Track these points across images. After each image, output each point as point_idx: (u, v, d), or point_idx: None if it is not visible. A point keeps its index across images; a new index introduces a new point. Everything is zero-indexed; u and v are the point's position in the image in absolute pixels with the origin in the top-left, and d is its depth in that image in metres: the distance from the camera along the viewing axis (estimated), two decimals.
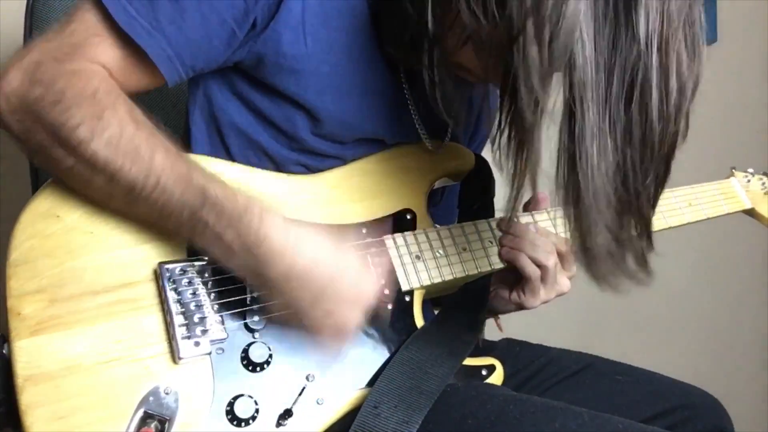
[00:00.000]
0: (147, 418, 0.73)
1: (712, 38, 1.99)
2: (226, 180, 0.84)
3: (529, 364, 1.06)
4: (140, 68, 0.78)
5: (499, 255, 0.95)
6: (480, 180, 1.04)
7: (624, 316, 2.07)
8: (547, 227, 0.99)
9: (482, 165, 1.05)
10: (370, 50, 0.88)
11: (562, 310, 1.94)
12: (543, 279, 0.93)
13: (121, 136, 0.73)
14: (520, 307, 0.97)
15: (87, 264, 0.77)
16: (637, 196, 0.68)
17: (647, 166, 0.68)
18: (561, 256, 0.95)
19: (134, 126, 0.74)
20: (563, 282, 0.95)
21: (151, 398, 0.73)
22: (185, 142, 0.92)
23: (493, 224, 0.97)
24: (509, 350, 1.09)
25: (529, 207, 1.01)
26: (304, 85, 0.84)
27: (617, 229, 0.69)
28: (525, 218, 1.00)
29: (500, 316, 1.06)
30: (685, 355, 2.15)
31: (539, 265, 0.92)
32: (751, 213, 1.18)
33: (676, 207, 1.09)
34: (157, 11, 0.76)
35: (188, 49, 0.79)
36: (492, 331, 1.14)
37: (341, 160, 0.91)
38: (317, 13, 0.83)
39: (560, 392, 1.02)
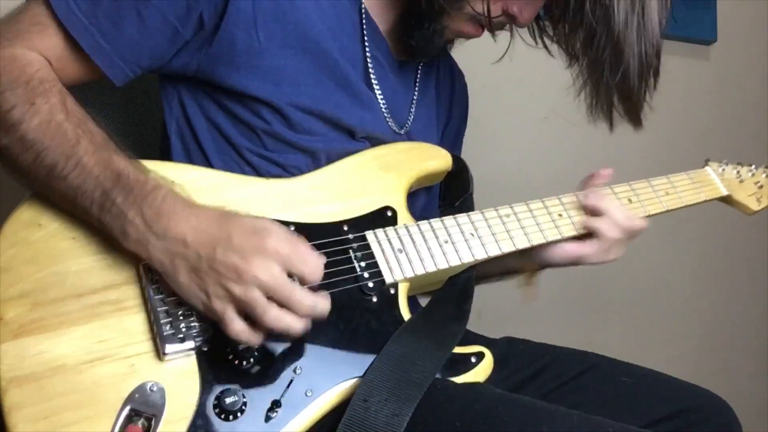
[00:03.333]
0: (134, 415, 0.72)
1: (712, 38, 2.00)
2: (204, 185, 0.86)
3: (531, 363, 1.06)
4: (77, 61, 0.83)
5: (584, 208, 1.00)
6: (459, 179, 1.06)
7: (625, 314, 2.05)
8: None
9: (460, 164, 1.07)
10: (327, 42, 0.91)
11: (563, 308, 1.93)
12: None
13: (50, 122, 0.76)
14: (578, 261, 1.02)
15: (70, 268, 0.78)
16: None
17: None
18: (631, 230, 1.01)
19: (64, 114, 0.77)
20: (621, 249, 1.03)
21: (137, 395, 0.73)
22: (164, 150, 0.94)
23: (474, 218, 0.98)
24: (511, 348, 1.08)
25: (591, 181, 1.05)
26: (261, 79, 0.87)
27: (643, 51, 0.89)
28: (606, 191, 1.05)
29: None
30: (686, 354, 2.12)
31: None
32: (727, 200, 1.19)
33: (653, 195, 1.10)
34: (96, 8, 0.81)
35: (128, 46, 0.83)
36: (492, 330, 1.13)
37: (312, 156, 0.93)
38: (268, 9, 0.86)
39: (564, 395, 1.01)
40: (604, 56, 0.90)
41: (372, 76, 0.96)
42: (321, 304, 0.77)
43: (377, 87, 0.97)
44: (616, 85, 0.91)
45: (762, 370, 2.18)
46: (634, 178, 1.09)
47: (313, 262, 0.77)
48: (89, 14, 0.81)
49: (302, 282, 0.76)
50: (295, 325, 0.75)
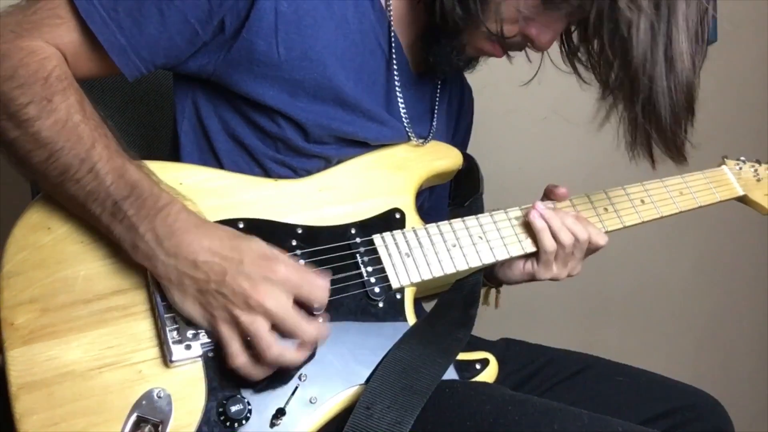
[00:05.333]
0: (140, 421, 0.74)
1: (712, 38, 1.98)
2: (213, 186, 0.86)
3: (528, 364, 1.07)
4: (93, 56, 0.81)
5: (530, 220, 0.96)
6: (468, 178, 1.06)
7: (624, 316, 2.06)
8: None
9: (470, 163, 1.06)
10: (348, 60, 0.89)
11: (561, 310, 1.94)
12: (556, 256, 0.97)
13: (67, 122, 0.75)
14: (532, 277, 1.00)
15: (78, 273, 0.79)
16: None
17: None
18: (590, 244, 0.98)
19: (81, 115, 0.77)
20: (577, 266, 1.00)
21: (144, 402, 0.74)
22: (174, 150, 0.94)
23: (482, 220, 0.97)
24: (508, 350, 1.09)
25: (550, 197, 1.03)
26: (278, 90, 0.86)
27: (673, 91, 0.85)
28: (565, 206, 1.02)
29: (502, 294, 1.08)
30: (685, 355, 2.13)
31: (557, 241, 0.95)
32: (743, 200, 1.17)
33: (667, 197, 1.09)
34: (118, 3, 0.80)
35: (146, 44, 0.82)
36: (490, 331, 1.13)
37: (326, 160, 0.93)
38: (291, 21, 0.84)
39: (560, 393, 1.02)
40: (623, 89, 0.85)
41: (398, 92, 0.96)
42: (323, 334, 0.79)
43: (401, 103, 0.96)
44: (648, 122, 0.86)
45: (761, 371, 2.18)
46: (632, 178, 1.07)
47: (321, 288, 0.78)
48: (110, 10, 0.80)
49: (311, 305, 0.78)
50: (297, 360, 0.77)
